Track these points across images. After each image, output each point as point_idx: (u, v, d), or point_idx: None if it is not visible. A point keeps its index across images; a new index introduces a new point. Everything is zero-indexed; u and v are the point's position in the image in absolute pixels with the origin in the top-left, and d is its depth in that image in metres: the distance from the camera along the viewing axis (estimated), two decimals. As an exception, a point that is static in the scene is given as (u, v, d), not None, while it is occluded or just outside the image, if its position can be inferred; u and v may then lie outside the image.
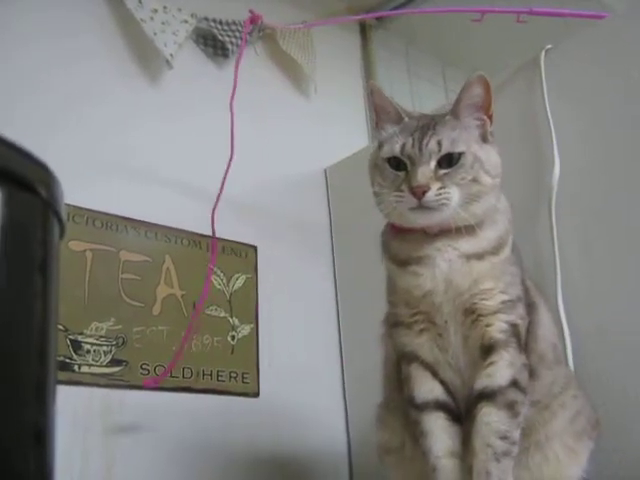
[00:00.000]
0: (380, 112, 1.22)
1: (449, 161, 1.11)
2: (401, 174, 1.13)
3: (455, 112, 1.17)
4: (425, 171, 1.09)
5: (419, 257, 1.14)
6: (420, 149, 1.11)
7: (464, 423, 1.16)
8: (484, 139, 1.16)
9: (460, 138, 1.13)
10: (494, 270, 1.14)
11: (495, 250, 1.15)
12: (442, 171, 1.10)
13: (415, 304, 1.17)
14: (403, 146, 1.13)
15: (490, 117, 1.17)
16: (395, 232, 1.21)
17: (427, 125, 1.15)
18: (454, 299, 1.14)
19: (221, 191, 1.82)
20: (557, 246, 1.59)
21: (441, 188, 1.08)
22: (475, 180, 1.11)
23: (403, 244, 1.18)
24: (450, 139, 1.12)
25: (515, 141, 1.74)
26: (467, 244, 1.14)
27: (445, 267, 1.13)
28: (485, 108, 1.16)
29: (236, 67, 1.98)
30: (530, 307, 1.20)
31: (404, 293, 1.18)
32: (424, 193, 1.07)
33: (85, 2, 1.94)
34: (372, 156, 1.21)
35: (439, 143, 1.11)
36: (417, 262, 1.15)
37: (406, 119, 1.19)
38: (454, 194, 1.09)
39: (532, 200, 1.66)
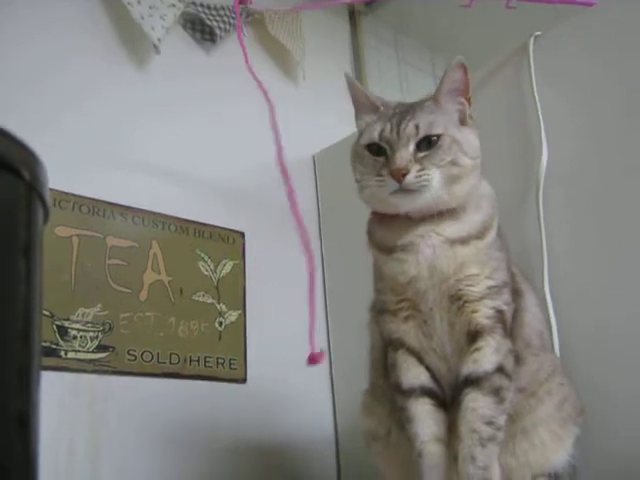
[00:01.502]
0: (356, 103, 1.25)
1: (428, 144, 1.12)
2: (381, 159, 1.14)
3: (436, 97, 1.18)
4: (404, 154, 1.11)
5: (404, 244, 1.15)
6: (398, 133, 1.12)
7: (450, 410, 1.17)
8: (462, 122, 1.18)
9: (437, 121, 1.14)
10: (479, 255, 1.15)
11: (480, 234, 1.15)
12: (421, 154, 1.11)
13: (401, 291, 1.17)
14: (381, 132, 1.14)
15: (468, 100, 1.19)
16: (379, 220, 1.22)
17: (405, 111, 1.16)
18: (439, 285, 1.14)
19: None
20: (544, 234, 1.59)
21: (421, 170, 1.10)
22: (454, 162, 1.12)
23: (388, 232, 1.19)
24: (427, 122, 1.13)
25: (503, 128, 1.74)
26: (451, 229, 1.14)
27: (429, 253, 1.13)
28: (464, 92, 1.18)
29: (240, 36, 1.98)
30: (516, 293, 1.21)
31: (390, 280, 1.18)
32: (404, 176, 1.09)
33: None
34: (353, 146, 1.22)
35: (417, 127, 1.12)
36: (402, 249, 1.15)
37: (382, 108, 1.20)
38: (434, 175, 1.10)
39: (520, 188, 1.67)
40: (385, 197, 1.12)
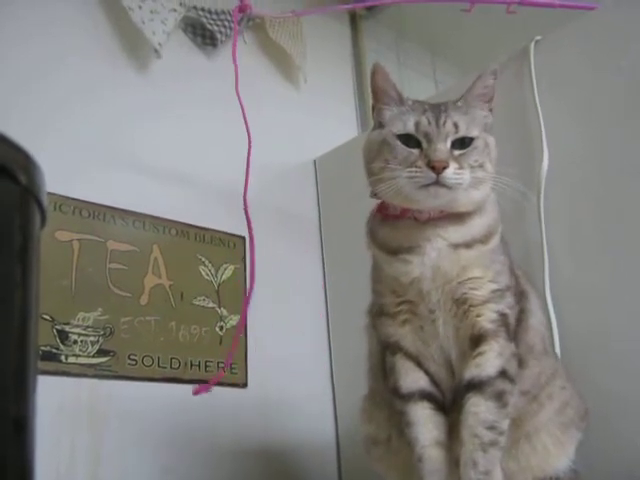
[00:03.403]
0: (381, 94, 1.20)
1: (461, 143, 1.11)
2: (415, 151, 1.11)
3: (467, 99, 1.17)
4: (443, 149, 1.09)
5: (410, 247, 1.14)
6: (437, 127, 1.11)
7: (451, 414, 1.16)
8: (487, 128, 1.18)
9: (473, 123, 1.14)
10: (483, 259, 1.14)
11: (484, 239, 1.15)
12: (457, 152, 1.10)
13: (402, 292, 1.16)
14: (417, 124, 1.12)
15: (491, 110, 1.19)
16: (382, 219, 1.20)
17: (438, 107, 1.15)
18: (442, 287, 1.13)
19: (247, 182, 1.91)
20: (545, 237, 1.59)
21: (459, 168, 1.08)
22: (482, 165, 1.12)
23: (392, 232, 1.17)
24: (465, 122, 1.12)
25: (504, 132, 1.72)
26: (456, 233, 1.13)
27: (434, 255, 1.13)
28: (491, 99, 1.19)
29: (234, 54, 2.00)
30: (520, 296, 1.20)
31: (392, 281, 1.18)
32: (444, 169, 1.07)
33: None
34: (373, 136, 1.19)
35: (456, 125, 1.11)
36: (407, 251, 1.14)
37: (410, 102, 1.19)
38: (467, 176, 1.09)
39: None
40: (413, 190, 1.09)
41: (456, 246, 1.13)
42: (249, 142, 1.93)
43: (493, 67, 1.17)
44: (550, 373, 1.23)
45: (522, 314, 1.19)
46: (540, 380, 1.20)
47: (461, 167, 1.09)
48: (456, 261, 1.13)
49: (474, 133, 1.13)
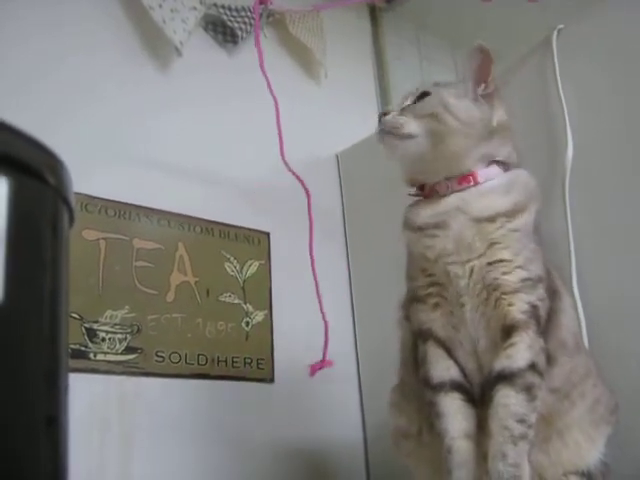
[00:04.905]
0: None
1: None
2: None
3: (463, 79, 1.27)
4: (395, 106, 1.27)
5: (435, 222, 1.18)
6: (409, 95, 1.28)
7: (479, 407, 1.15)
8: (474, 98, 1.23)
9: (440, 88, 1.24)
10: (510, 239, 1.14)
11: (510, 214, 1.15)
12: (405, 103, 1.25)
13: (430, 270, 1.18)
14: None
15: (487, 81, 1.24)
16: (414, 202, 1.26)
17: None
18: (471, 267, 1.14)
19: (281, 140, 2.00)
20: (571, 228, 1.57)
21: (398, 114, 1.22)
22: (434, 116, 1.19)
23: (419, 210, 1.23)
24: (427, 87, 1.25)
25: (528, 123, 1.72)
26: (478, 205, 1.16)
27: (456, 227, 1.16)
28: (483, 74, 1.24)
29: (257, 38, 2.04)
30: (554, 294, 1.19)
31: (420, 259, 1.20)
32: (384, 115, 1.24)
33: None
34: None
35: (417, 89, 1.26)
36: (433, 226, 1.18)
37: None
38: (409, 123, 1.20)
39: (546, 182, 1.64)
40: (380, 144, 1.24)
41: (478, 219, 1.15)
42: (276, 106, 1.99)
43: (475, 44, 1.26)
44: (583, 372, 1.21)
45: (554, 313, 1.18)
46: (572, 378, 1.18)
47: (401, 115, 1.22)
48: (480, 235, 1.14)
49: (428, 90, 1.24)
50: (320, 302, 2.08)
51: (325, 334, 2.04)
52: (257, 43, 2.01)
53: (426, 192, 1.24)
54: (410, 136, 1.19)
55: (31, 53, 1.75)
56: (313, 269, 2.09)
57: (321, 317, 2.08)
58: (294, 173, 1.94)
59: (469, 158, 1.20)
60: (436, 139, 1.19)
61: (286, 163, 1.95)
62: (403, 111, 1.23)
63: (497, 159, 1.22)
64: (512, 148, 1.25)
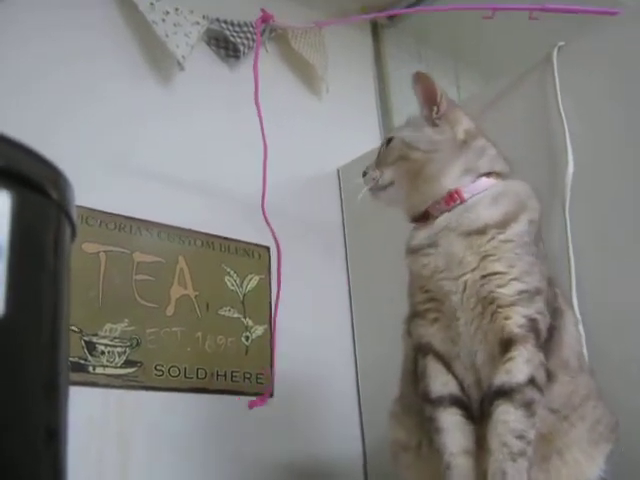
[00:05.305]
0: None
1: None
2: None
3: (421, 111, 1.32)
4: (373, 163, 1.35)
5: (429, 243, 1.20)
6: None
7: (478, 423, 1.15)
8: (432, 124, 1.28)
9: (398, 129, 1.34)
10: (502, 251, 1.14)
11: (500, 225, 1.15)
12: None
13: (427, 286, 1.20)
14: None
15: (437, 103, 1.28)
16: (414, 226, 1.29)
17: None
18: (464, 282, 1.14)
19: (264, 190, 1.96)
20: (571, 243, 1.58)
21: (372, 171, 1.32)
22: (401, 158, 1.27)
23: (416, 233, 1.25)
24: (390, 133, 1.34)
25: (528, 139, 1.73)
26: (465, 221, 1.17)
27: (445, 244, 1.18)
28: (430, 98, 1.29)
29: (255, 66, 2.02)
30: (556, 312, 1.18)
31: (417, 277, 1.22)
32: (364, 175, 1.34)
33: (98, 4, 1.95)
34: None
35: (384, 137, 1.36)
36: (427, 246, 1.20)
37: None
38: (383, 174, 1.29)
39: (546, 198, 1.65)
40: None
41: (468, 233, 1.16)
42: (265, 150, 1.97)
43: (414, 73, 1.30)
44: (584, 393, 1.19)
45: (556, 330, 1.17)
46: (572, 400, 1.17)
47: (375, 168, 1.32)
48: (471, 249, 1.15)
49: (390, 136, 1.33)
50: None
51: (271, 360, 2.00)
52: (255, 68, 2.02)
53: (422, 218, 1.26)
54: (388, 184, 1.28)
55: (31, 56, 1.76)
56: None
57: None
58: (269, 224, 1.92)
59: (449, 177, 1.22)
60: (411, 175, 1.25)
61: (264, 212, 1.93)
62: (377, 164, 1.32)
63: (483, 172, 1.23)
64: (495, 155, 1.27)
